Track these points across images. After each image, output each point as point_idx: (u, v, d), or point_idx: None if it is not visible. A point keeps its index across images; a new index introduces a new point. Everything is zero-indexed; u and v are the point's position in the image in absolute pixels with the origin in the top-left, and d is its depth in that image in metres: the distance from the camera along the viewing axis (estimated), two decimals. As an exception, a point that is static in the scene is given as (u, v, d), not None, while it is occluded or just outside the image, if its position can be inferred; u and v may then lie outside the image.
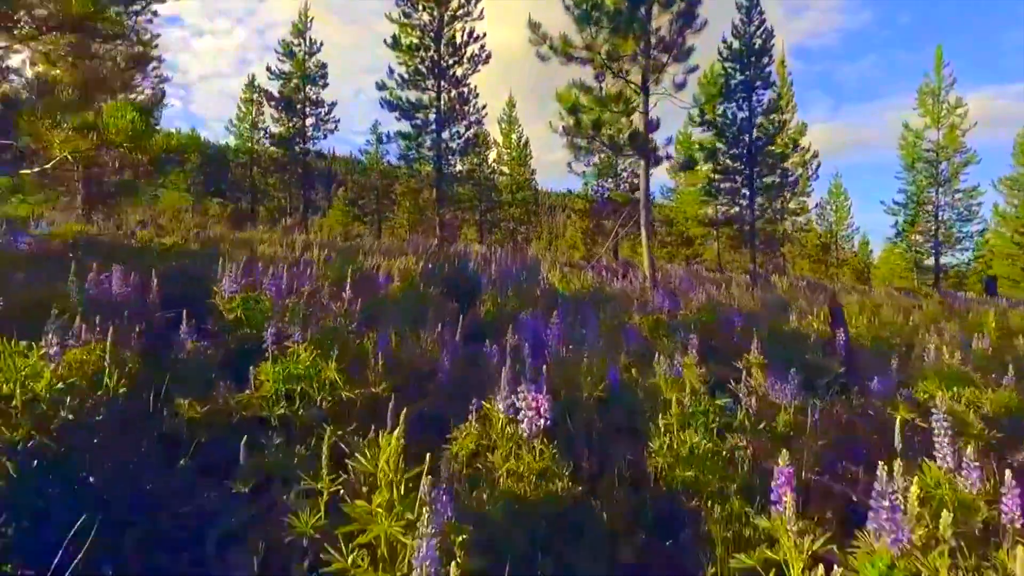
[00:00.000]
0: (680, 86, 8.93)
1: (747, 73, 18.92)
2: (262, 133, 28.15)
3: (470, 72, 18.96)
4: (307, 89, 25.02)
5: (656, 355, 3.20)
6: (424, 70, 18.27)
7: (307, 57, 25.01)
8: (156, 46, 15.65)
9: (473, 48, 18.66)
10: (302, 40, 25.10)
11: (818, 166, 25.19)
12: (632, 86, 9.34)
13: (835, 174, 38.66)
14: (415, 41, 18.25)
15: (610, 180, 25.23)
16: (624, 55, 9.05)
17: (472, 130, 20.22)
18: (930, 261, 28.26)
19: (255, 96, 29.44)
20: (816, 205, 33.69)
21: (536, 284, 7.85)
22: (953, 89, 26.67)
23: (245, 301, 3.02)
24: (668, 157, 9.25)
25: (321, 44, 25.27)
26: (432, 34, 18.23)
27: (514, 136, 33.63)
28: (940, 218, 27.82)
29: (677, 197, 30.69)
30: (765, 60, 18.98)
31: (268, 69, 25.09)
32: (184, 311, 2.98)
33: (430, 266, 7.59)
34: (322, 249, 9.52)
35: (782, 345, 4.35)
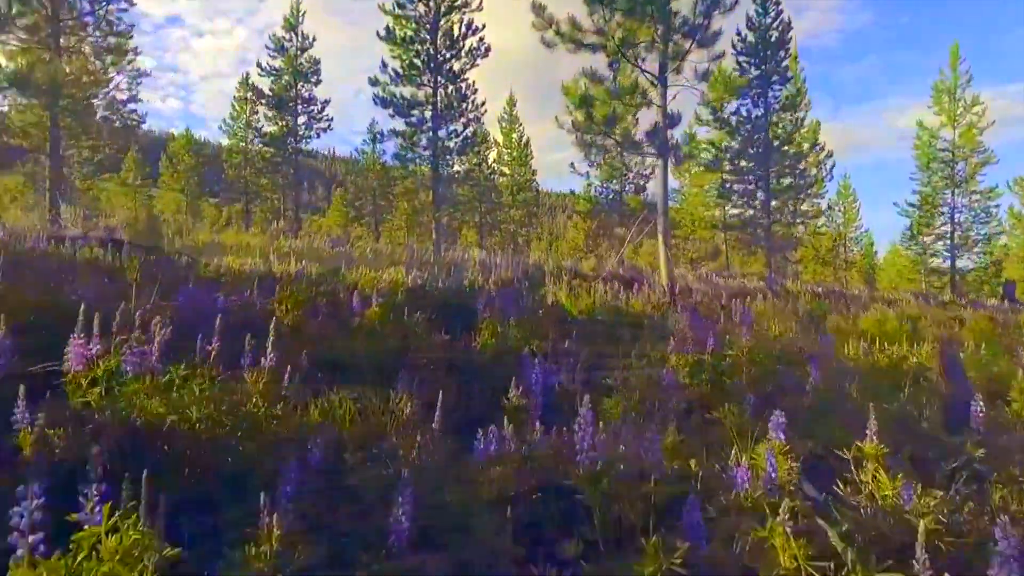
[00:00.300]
0: (704, 76, 7.89)
1: (763, 68, 17.79)
2: (255, 132, 27.13)
3: (468, 66, 17.85)
4: (299, 86, 23.98)
5: (733, 447, 2.18)
6: (419, 64, 17.19)
7: (299, 53, 23.95)
8: (131, 36, 14.67)
9: (472, 41, 17.58)
10: (294, 35, 24.05)
11: (832, 166, 24.11)
12: (648, 76, 8.30)
13: (844, 175, 37.73)
14: (410, 33, 17.18)
15: (615, 181, 24.16)
16: (640, 41, 8.01)
17: (470, 128, 19.09)
18: (941, 263, 27.29)
19: (249, 95, 28.42)
20: (827, 207, 32.69)
21: (542, 299, 6.85)
22: (969, 87, 25.77)
23: (114, 376, 1.96)
24: (690, 155, 8.24)
25: (314, 39, 24.20)
26: (428, 26, 17.16)
27: (515, 135, 32.44)
28: (956, 220, 26.90)
29: (682, 199, 29.54)
30: (782, 54, 17.86)
31: (259, 65, 24.10)
32: (22, 387, 1.95)
33: (419, 282, 6.56)
34: (300, 260, 8.51)
35: (873, 398, 3.28)
